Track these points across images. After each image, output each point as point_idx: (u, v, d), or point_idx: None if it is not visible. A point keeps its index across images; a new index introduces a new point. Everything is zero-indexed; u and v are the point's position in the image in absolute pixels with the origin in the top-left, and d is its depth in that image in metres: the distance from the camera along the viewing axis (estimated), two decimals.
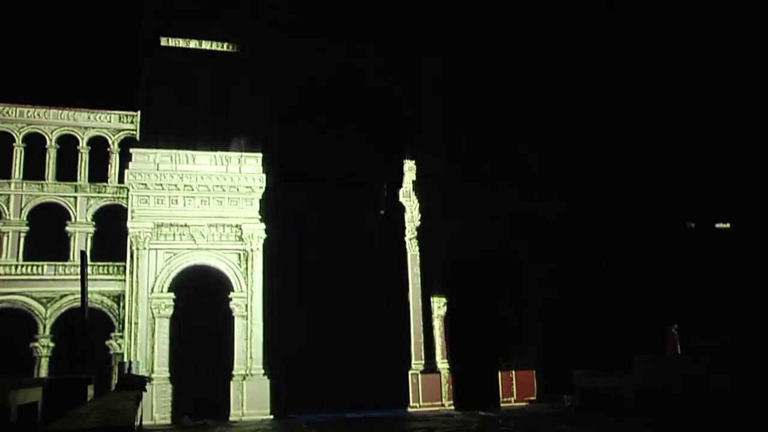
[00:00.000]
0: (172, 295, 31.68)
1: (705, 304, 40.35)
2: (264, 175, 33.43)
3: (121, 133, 34.16)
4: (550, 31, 41.06)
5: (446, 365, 34.58)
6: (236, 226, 32.93)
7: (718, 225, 41.65)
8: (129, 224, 31.89)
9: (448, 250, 35.72)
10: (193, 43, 34.30)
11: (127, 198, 32.44)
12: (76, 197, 33.21)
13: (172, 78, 33.55)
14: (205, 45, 34.52)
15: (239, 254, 32.88)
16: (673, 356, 29.17)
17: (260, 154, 33.75)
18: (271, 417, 31.17)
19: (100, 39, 35.96)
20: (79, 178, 33.46)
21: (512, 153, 37.81)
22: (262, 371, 31.85)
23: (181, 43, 34.13)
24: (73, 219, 33.01)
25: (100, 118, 34.27)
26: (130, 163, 32.37)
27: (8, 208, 32.26)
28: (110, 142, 34.04)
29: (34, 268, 31.60)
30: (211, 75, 34.32)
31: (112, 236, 32.74)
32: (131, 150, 32.73)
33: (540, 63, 40.74)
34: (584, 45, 42.75)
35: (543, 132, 40.63)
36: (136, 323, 31.15)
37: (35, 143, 33.29)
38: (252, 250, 32.84)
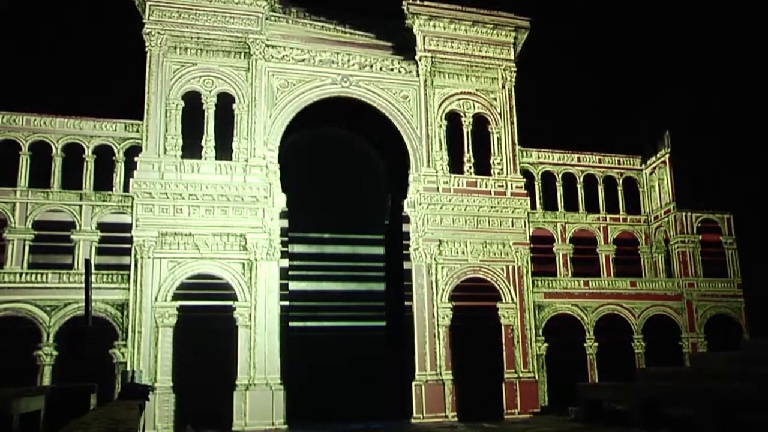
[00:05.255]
0: (175, 304, 31.68)
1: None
2: (268, 185, 33.48)
3: (127, 141, 34.23)
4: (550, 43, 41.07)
5: (450, 376, 34.49)
6: (240, 235, 32.97)
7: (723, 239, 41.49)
8: (133, 233, 31.96)
9: (452, 261, 35.96)
10: (202, 54, 34.58)
11: (132, 207, 32.50)
12: (81, 206, 33.24)
13: (178, 87, 33.86)
14: (214, 56, 34.75)
15: (243, 264, 32.89)
16: (677, 369, 29.02)
17: (265, 164, 33.83)
18: (274, 427, 31.09)
19: (106, 47, 36.06)
20: (84, 186, 33.52)
21: (515, 165, 38.05)
22: (265, 381, 31.79)
23: (189, 53, 34.41)
24: (77, 227, 33.04)
25: (105, 126, 34.36)
26: (135, 172, 32.46)
27: (13, 216, 32.33)
28: (116, 150, 34.12)
29: (39, 276, 31.57)
30: (218, 85, 34.54)
31: (116, 245, 32.81)
32: (136, 159, 32.84)
33: (540, 75, 40.74)
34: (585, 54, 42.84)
35: (545, 144, 40.79)
36: (139, 332, 31.14)
37: (41, 151, 33.38)
38: (256, 260, 32.83)
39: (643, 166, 42.74)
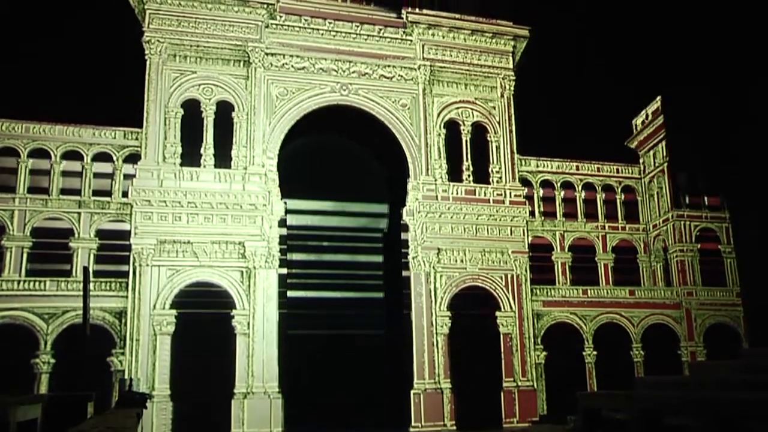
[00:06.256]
0: (174, 312, 31.61)
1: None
2: (267, 193, 33.49)
3: (126, 149, 34.26)
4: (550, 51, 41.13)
5: (449, 384, 34.40)
6: (239, 243, 32.94)
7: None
8: (132, 240, 31.92)
9: (451, 269, 36.00)
10: (201, 62, 34.66)
11: (131, 214, 32.48)
12: (79, 213, 33.22)
13: (177, 95, 33.93)
14: (214, 64, 34.82)
15: (242, 271, 32.85)
16: (677, 378, 28.94)
17: (264, 172, 33.85)
18: None
19: (106, 55, 36.11)
20: (83, 194, 33.51)
21: (514, 173, 38.10)
22: (263, 389, 31.70)
23: (188, 61, 34.50)
24: (76, 235, 33.01)
25: (105, 134, 34.40)
26: (134, 180, 32.47)
27: (12, 224, 32.29)
28: (115, 158, 34.13)
29: (37, 283, 31.50)
30: (218, 93, 34.60)
31: (115, 252, 32.78)
32: (135, 166, 32.84)
33: (540, 84, 40.80)
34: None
35: (545, 153, 40.85)
36: (137, 340, 31.06)
37: (40, 159, 33.38)
38: (254, 268, 32.80)
39: (642, 175, 42.90)
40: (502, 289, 36.63)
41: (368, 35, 37.27)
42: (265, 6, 35.29)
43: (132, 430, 11.24)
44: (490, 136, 38.46)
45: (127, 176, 33.53)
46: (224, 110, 34.67)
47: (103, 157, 34.12)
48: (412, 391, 34.07)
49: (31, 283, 31.52)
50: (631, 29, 42.07)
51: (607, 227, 41.33)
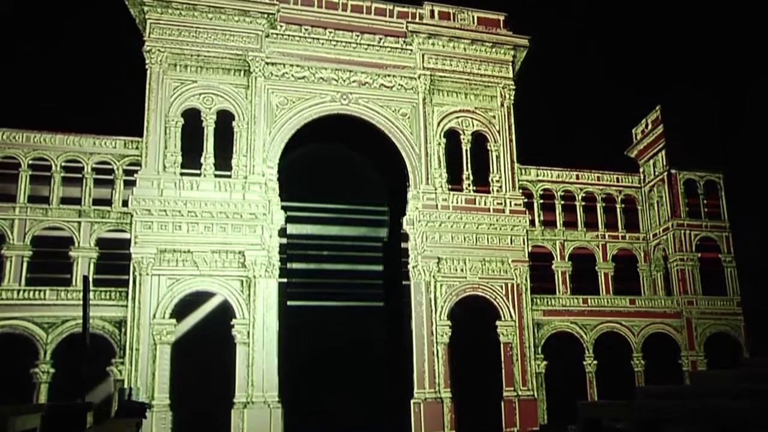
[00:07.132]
0: (173, 321, 31.58)
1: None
2: (267, 202, 33.51)
3: (126, 158, 34.30)
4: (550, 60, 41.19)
5: (449, 394, 34.32)
6: (239, 252, 32.94)
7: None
8: (132, 250, 31.90)
9: (451, 278, 35.98)
10: (202, 72, 34.74)
11: (131, 223, 32.48)
12: (80, 222, 33.22)
13: (178, 104, 33.98)
14: (214, 74, 34.89)
15: (242, 281, 32.83)
16: (677, 387, 28.86)
17: (264, 181, 33.87)
18: None
19: (106, 64, 36.14)
20: (83, 203, 33.53)
21: (514, 182, 38.13)
22: (263, 399, 31.62)
23: (189, 70, 34.58)
24: (76, 244, 33.00)
25: (105, 143, 34.44)
26: (134, 189, 32.48)
27: (12, 233, 32.29)
28: (115, 167, 34.17)
29: (37, 293, 31.45)
30: (218, 102, 34.67)
31: (115, 262, 32.75)
32: (136, 176, 32.88)
33: (540, 93, 40.86)
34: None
35: (545, 162, 40.86)
36: (137, 349, 31.00)
37: (40, 168, 33.41)
38: (255, 277, 32.78)
39: (642, 184, 42.95)
40: (502, 298, 36.61)
41: (368, 45, 37.37)
42: (266, 16, 35.41)
43: None
44: (490, 145, 38.53)
45: (127, 185, 33.56)
46: (224, 119, 34.73)
47: (103, 166, 34.16)
48: (412, 401, 34.00)
49: (31, 293, 31.47)
50: (632, 35, 42.14)
51: (607, 236, 41.33)
